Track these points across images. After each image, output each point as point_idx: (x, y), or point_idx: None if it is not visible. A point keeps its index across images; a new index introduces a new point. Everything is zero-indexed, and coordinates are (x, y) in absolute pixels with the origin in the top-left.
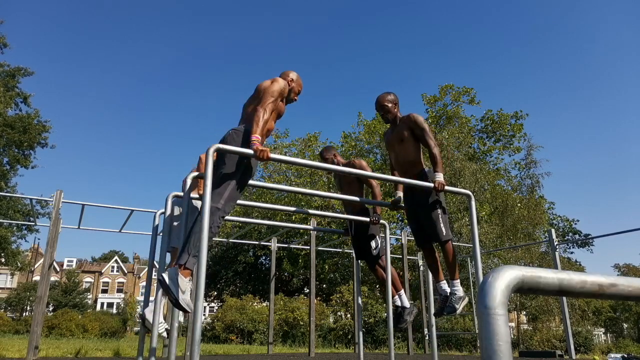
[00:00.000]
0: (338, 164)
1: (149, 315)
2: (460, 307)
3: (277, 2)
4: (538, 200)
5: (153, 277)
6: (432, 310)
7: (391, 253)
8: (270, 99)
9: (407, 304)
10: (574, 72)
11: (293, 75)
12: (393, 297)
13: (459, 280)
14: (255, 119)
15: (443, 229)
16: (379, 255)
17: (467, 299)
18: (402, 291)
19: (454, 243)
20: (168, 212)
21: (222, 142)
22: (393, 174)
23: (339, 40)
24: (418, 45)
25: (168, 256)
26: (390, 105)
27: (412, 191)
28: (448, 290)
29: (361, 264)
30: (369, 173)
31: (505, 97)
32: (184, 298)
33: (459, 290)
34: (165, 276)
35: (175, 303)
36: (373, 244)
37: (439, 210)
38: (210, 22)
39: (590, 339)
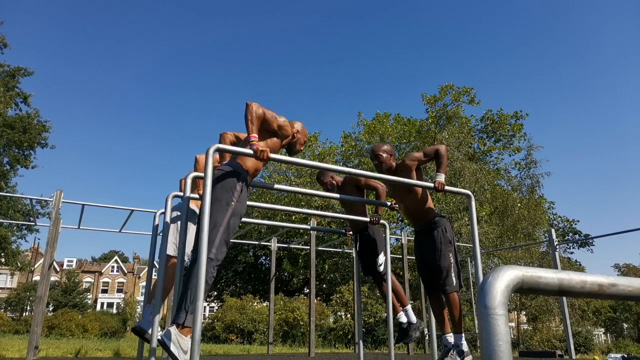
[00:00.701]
0: (337, 184)
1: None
2: None
3: (277, 2)
4: (538, 200)
5: (153, 277)
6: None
7: (391, 253)
8: (267, 109)
9: (413, 319)
10: (573, 72)
11: (298, 126)
12: (398, 313)
13: (463, 335)
14: (248, 117)
15: (453, 280)
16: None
17: (470, 356)
18: (409, 306)
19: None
20: (168, 213)
21: (213, 180)
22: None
23: (339, 40)
24: (418, 45)
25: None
26: (385, 155)
27: (422, 237)
28: (452, 342)
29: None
30: (369, 173)
31: (505, 97)
32: (186, 358)
33: (464, 345)
34: (166, 338)
35: None
36: (379, 259)
37: (452, 259)
38: (209, 22)
39: (590, 339)
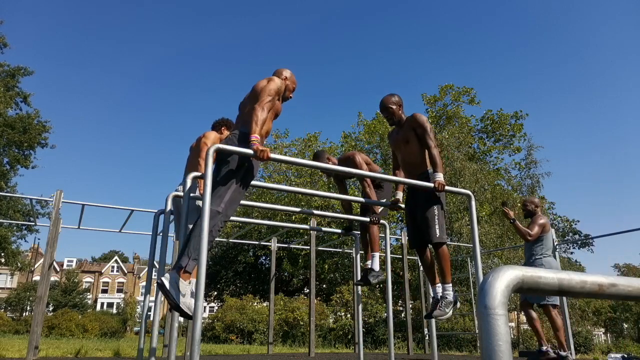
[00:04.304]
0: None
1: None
2: (449, 311)
3: (277, 2)
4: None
5: (153, 277)
6: None
7: (391, 253)
8: (268, 98)
9: (377, 267)
10: (573, 72)
11: (286, 73)
12: (368, 260)
13: (451, 284)
14: (254, 118)
15: (437, 230)
16: (377, 220)
17: (458, 304)
18: (378, 254)
19: (454, 243)
20: (168, 209)
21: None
22: (395, 174)
23: (339, 40)
24: (418, 45)
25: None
26: (394, 107)
27: (413, 192)
28: (440, 293)
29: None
30: (367, 172)
31: (505, 97)
32: (185, 301)
33: (450, 295)
34: (165, 280)
35: (175, 307)
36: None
37: (436, 211)
38: (210, 22)
39: (590, 339)
